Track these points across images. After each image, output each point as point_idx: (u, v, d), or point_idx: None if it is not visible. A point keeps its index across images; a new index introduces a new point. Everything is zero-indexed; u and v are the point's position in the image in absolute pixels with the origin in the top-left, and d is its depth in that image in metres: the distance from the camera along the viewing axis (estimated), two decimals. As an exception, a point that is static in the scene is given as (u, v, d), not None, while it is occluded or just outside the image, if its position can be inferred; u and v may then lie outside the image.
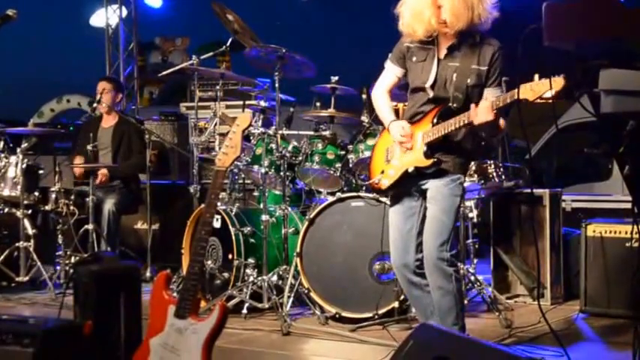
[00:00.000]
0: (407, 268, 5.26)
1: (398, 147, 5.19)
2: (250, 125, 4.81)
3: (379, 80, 5.46)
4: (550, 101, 4.73)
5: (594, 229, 6.81)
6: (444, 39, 5.11)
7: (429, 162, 5.05)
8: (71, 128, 10.18)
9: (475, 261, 7.33)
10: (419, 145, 5.09)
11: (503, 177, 7.32)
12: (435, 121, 5.04)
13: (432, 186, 5.13)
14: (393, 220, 5.34)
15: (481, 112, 4.86)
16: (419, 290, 5.28)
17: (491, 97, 4.99)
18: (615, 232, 6.72)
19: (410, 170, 5.11)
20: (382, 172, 5.29)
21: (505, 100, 4.81)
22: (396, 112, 5.62)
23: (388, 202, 6.46)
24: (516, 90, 4.70)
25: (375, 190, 5.43)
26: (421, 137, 5.08)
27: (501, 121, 5.02)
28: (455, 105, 5.05)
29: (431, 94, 5.12)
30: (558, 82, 4.59)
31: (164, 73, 8.34)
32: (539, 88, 4.65)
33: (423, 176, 5.13)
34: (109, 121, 8.65)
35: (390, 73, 5.37)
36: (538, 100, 4.72)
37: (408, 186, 5.20)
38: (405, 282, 5.33)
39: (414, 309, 6.39)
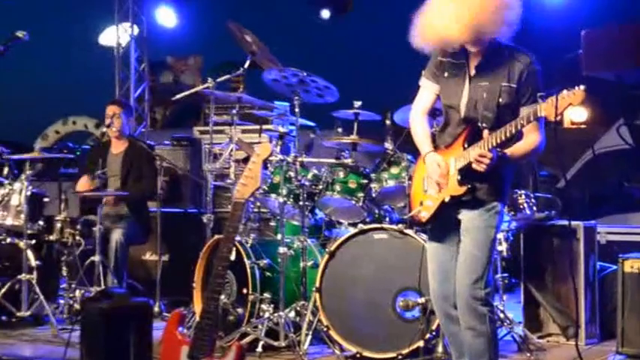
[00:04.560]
0: (447, 301, 5.19)
1: (432, 180, 5.14)
2: (271, 155, 4.80)
3: (416, 100, 5.36)
4: (582, 126, 4.68)
5: (632, 265, 6.74)
6: (474, 56, 5.07)
7: (463, 190, 4.99)
8: (78, 153, 10.14)
9: (504, 297, 7.25)
10: (452, 172, 5.05)
11: (534, 208, 7.27)
12: (465, 145, 5.00)
13: (466, 217, 5.08)
14: (431, 251, 5.28)
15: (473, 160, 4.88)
16: (457, 326, 5.18)
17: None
18: (655, 268, 6.67)
19: (446, 200, 5.06)
20: (421, 203, 5.24)
21: (512, 128, 4.78)
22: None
23: (413, 235, 6.48)
24: (537, 108, 4.66)
25: (416, 223, 5.37)
26: (454, 163, 5.04)
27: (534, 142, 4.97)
28: (484, 124, 5.00)
29: (462, 113, 5.08)
30: (577, 95, 4.53)
31: (178, 96, 8.30)
32: (560, 103, 4.58)
33: (459, 205, 5.08)
34: (118, 147, 8.62)
35: (427, 90, 5.29)
36: (570, 126, 4.65)
37: (446, 216, 5.14)
38: (444, 316, 5.26)
39: (439, 347, 6.38)
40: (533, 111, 4.71)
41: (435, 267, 5.25)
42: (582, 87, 4.54)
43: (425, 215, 5.19)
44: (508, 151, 4.94)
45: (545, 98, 4.75)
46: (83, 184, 8.32)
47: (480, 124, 5.01)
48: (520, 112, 4.96)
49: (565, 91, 4.57)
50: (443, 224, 5.19)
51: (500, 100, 4.98)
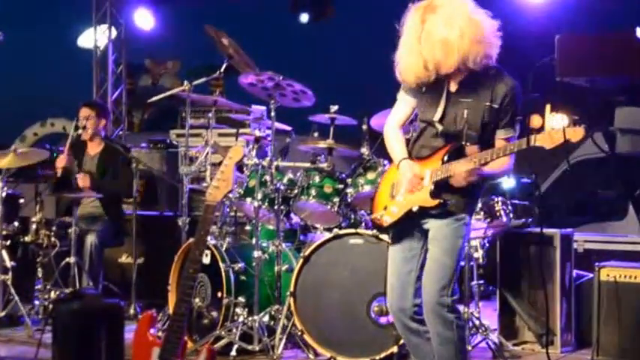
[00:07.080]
0: (404, 314, 5.20)
1: (404, 184, 5.14)
2: (244, 158, 4.81)
3: (391, 113, 5.36)
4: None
5: (608, 273, 6.76)
6: (456, 73, 5.06)
7: (435, 202, 5.00)
8: (55, 154, 10.13)
9: (480, 304, 7.27)
10: (426, 184, 5.05)
11: (511, 215, 7.27)
12: (445, 159, 5.01)
13: (434, 226, 5.08)
14: (391, 261, 5.28)
15: (459, 174, 4.89)
16: (417, 337, 5.21)
17: (501, 136, 4.98)
18: (631, 277, 6.67)
19: (414, 209, 5.08)
20: (385, 208, 5.25)
21: (500, 152, 4.80)
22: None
23: (388, 240, 6.49)
24: (531, 137, 4.66)
25: (377, 226, 5.38)
26: (429, 175, 5.04)
27: (508, 161, 5.00)
28: (468, 143, 5.02)
29: (440, 128, 5.08)
30: (578, 132, 4.51)
31: (154, 98, 8.30)
32: (559, 138, 4.59)
33: (427, 215, 5.09)
34: (94, 148, 8.63)
35: (403, 104, 5.29)
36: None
37: (410, 225, 5.15)
38: (403, 328, 5.26)
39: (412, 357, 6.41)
40: (526, 140, 4.70)
41: (393, 279, 5.24)
42: (583, 125, 4.54)
43: (387, 220, 5.20)
44: (487, 168, 4.95)
45: (521, 122, 4.78)
46: (62, 158, 8.35)
47: (464, 143, 5.03)
48: (496, 135, 5.00)
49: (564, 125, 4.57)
50: (406, 233, 5.20)
51: (484, 118, 4.99)
